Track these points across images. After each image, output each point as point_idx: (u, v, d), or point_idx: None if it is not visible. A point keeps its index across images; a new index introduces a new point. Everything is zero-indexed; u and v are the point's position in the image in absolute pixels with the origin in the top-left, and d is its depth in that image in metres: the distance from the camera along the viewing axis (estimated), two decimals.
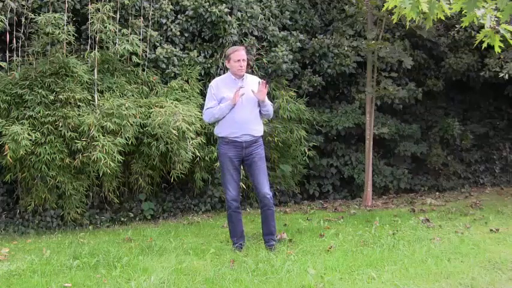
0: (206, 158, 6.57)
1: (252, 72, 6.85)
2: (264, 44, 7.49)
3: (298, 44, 7.62)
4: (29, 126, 5.70)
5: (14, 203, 6.36)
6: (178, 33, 6.95)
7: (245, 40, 7.25)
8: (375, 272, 3.94)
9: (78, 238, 5.54)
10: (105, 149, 5.76)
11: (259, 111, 4.82)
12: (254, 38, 7.33)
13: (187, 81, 6.83)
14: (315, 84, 7.79)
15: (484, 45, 4.28)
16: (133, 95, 6.41)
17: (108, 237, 5.59)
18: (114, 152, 5.82)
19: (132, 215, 6.59)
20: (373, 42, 7.06)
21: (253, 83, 4.78)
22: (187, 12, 7.02)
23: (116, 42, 6.31)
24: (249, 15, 7.32)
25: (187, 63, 6.92)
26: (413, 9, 3.59)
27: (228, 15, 7.01)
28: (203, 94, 6.39)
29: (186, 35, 7.08)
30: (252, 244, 4.91)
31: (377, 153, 8.31)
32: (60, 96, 5.91)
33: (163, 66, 6.78)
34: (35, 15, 6.02)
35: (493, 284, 3.72)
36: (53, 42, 6.12)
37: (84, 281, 3.90)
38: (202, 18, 7.02)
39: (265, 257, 4.41)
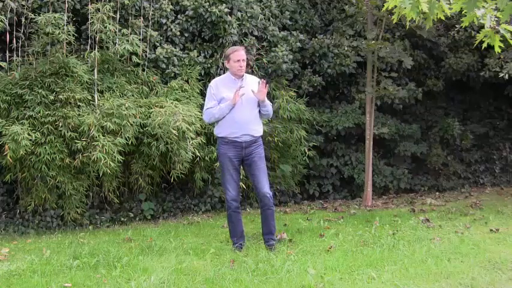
0: (206, 158, 6.57)
1: (252, 72, 6.86)
2: (264, 44, 7.49)
3: (298, 44, 7.62)
4: (29, 126, 5.70)
5: (14, 203, 6.36)
6: (178, 33, 6.95)
7: (245, 40, 7.25)
8: (375, 272, 3.94)
9: (78, 238, 5.54)
10: (105, 149, 5.76)
11: (259, 111, 4.82)
12: (254, 38, 7.33)
13: (187, 81, 6.84)
14: (315, 84, 7.79)
15: (484, 45, 4.28)
16: (133, 95, 6.41)
17: (108, 237, 5.59)
18: (114, 152, 5.82)
19: (132, 215, 6.59)
20: (373, 42, 7.06)
21: (252, 83, 4.78)
22: (187, 12, 7.02)
23: (116, 42, 6.31)
24: (249, 15, 7.32)
25: (187, 63, 6.92)
26: (413, 9, 3.59)
27: (228, 15, 7.01)
28: (203, 94, 6.39)
29: (186, 35, 7.08)
30: (252, 244, 4.91)
31: (377, 153, 8.31)
32: (60, 96, 5.91)
33: (163, 66, 6.78)
34: (35, 15, 6.02)
35: (493, 284, 3.72)
36: (53, 42, 6.12)
37: (84, 281, 3.90)
38: (202, 18, 7.02)
39: (265, 257, 4.41)
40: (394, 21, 4.30)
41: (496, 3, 3.65)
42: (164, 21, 6.91)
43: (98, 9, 6.18)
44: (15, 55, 6.06)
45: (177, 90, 6.63)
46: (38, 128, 5.81)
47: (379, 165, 8.21)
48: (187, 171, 6.43)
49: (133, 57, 6.49)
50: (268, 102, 4.84)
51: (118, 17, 6.42)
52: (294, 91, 7.53)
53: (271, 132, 7.04)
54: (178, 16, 7.04)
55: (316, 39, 7.81)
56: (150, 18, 6.77)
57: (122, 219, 6.50)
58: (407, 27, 5.81)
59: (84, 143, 5.85)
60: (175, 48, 6.89)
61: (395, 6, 3.88)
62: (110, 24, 6.19)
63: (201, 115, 5.34)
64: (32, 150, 5.67)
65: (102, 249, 4.81)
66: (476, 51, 8.22)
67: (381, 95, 7.48)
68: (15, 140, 5.47)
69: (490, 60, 7.94)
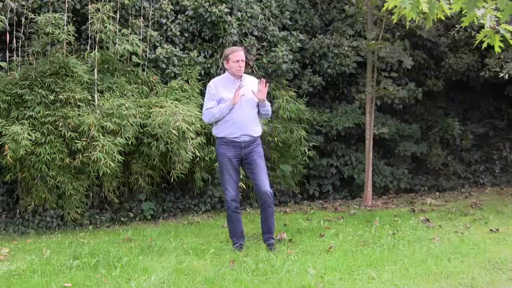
0: (206, 158, 6.57)
1: (252, 72, 6.86)
2: (264, 44, 7.49)
3: (298, 44, 7.62)
4: (29, 126, 5.70)
5: (14, 203, 6.36)
6: (178, 33, 6.95)
7: (245, 40, 7.25)
8: (375, 272, 3.94)
9: (78, 238, 5.54)
10: (105, 149, 5.76)
11: (258, 111, 4.83)
12: (254, 38, 7.33)
13: (187, 81, 6.84)
14: (315, 84, 7.79)
15: (484, 45, 4.28)
16: (133, 95, 6.41)
17: (108, 237, 5.59)
18: (114, 152, 5.82)
19: (132, 215, 6.59)
20: (373, 42, 7.06)
21: (251, 84, 4.78)
22: (187, 12, 7.02)
23: (116, 42, 6.31)
24: (249, 15, 7.32)
25: (187, 63, 6.92)
26: (413, 9, 3.59)
27: (228, 15, 7.01)
28: (203, 94, 6.37)
29: (186, 35, 7.08)
30: (252, 244, 4.90)
31: (377, 153, 8.31)
32: (60, 96, 5.91)
33: (163, 66, 6.78)
34: (35, 15, 6.02)
35: (493, 284, 3.72)
36: (53, 42, 6.12)
37: (84, 281, 3.90)
38: (202, 18, 7.02)
39: (265, 257, 4.41)
40: (394, 21, 4.30)
41: (496, 3, 3.65)
42: (164, 21, 6.91)
43: (98, 9, 6.18)
44: (15, 55, 6.06)
45: (177, 90, 6.63)
46: (38, 128, 5.81)
47: (379, 165, 8.20)
48: (187, 171, 6.43)
49: (133, 57, 6.49)
50: (267, 102, 4.84)
51: (118, 17, 6.42)
52: (294, 91, 7.53)
53: (271, 132, 7.04)
54: (178, 16, 7.04)
55: (316, 39, 7.81)
56: (150, 18, 6.77)
57: (122, 219, 6.50)
58: (407, 27, 5.81)
59: (84, 143, 5.85)
60: (175, 48, 6.89)
61: (395, 6, 3.88)
62: (110, 24, 6.19)
63: (201, 115, 5.34)
64: (32, 150, 5.67)
65: (102, 249, 4.81)
66: (476, 51, 8.22)
67: (381, 95, 7.48)
68: (15, 140, 5.47)
69: (490, 60, 7.94)
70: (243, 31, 7.28)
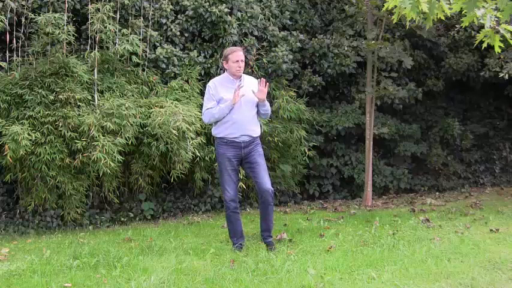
0: (206, 158, 6.57)
1: (252, 73, 6.86)
2: (264, 44, 7.49)
3: (298, 44, 7.62)
4: (29, 126, 5.70)
5: (14, 203, 6.36)
6: (178, 33, 6.95)
7: (245, 40, 7.25)
8: (375, 272, 3.94)
9: (78, 238, 5.54)
10: (105, 149, 5.76)
11: (257, 111, 4.83)
12: (254, 38, 7.33)
13: (187, 81, 6.84)
14: (315, 84, 7.79)
15: (484, 45, 4.28)
16: (133, 95, 6.41)
17: (108, 237, 5.59)
18: (114, 152, 5.82)
19: (132, 215, 6.59)
20: (373, 42, 7.06)
21: (250, 84, 4.78)
22: (187, 12, 7.02)
23: (116, 42, 6.31)
24: (249, 15, 7.32)
25: (187, 63, 6.92)
26: (413, 9, 3.59)
27: (228, 15, 7.01)
28: (203, 94, 6.36)
29: (186, 35, 7.08)
30: (252, 244, 4.90)
31: (377, 153, 8.31)
32: (60, 96, 5.91)
33: (163, 66, 6.78)
34: (35, 15, 6.02)
35: (493, 284, 3.72)
36: (53, 42, 6.12)
37: (84, 281, 3.90)
38: (202, 18, 7.02)
39: (265, 257, 4.41)
40: (394, 21, 4.30)
41: (496, 3, 3.65)
42: (164, 21, 6.91)
43: (98, 9, 6.18)
44: (15, 55, 6.06)
45: (177, 90, 6.63)
46: (38, 128, 5.81)
47: (379, 165, 8.21)
48: (187, 171, 6.44)
49: (133, 57, 6.49)
50: (267, 102, 4.84)
51: (118, 17, 6.42)
52: (294, 91, 7.53)
53: (271, 132, 7.04)
54: (178, 16, 7.04)
55: (316, 39, 7.81)
56: (150, 18, 6.77)
57: (122, 219, 6.50)
58: (407, 27, 5.81)
59: (84, 143, 5.85)
60: (175, 48, 6.89)
61: (395, 6, 3.88)
62: (110, 24, 6.19)
63: (201, 115, 5.34)
64: (32, 150, 5.67)
65: (102, 249, 4.81)
66: (476, 51, 8.23)
67: (381, 95, 7.48)
68: (15, 140, 5.47)
69: (490, 60, 7.94)
70: (243, 31, 7.28)
